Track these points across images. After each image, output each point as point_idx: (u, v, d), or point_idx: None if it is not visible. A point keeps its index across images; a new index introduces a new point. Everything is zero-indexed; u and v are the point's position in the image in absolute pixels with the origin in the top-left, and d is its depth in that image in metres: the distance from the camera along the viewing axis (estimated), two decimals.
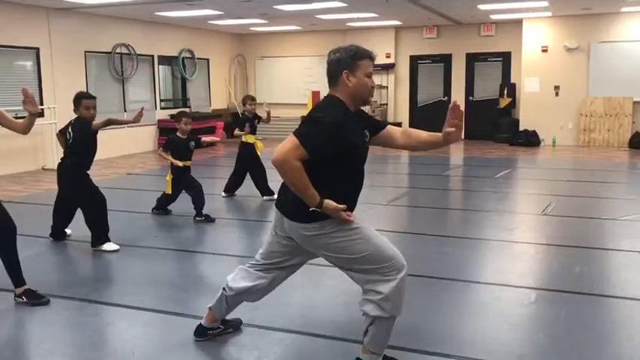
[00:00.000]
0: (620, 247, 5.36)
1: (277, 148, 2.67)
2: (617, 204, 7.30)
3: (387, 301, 2.74)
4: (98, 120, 5.18)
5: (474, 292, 4.29)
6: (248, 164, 7.44)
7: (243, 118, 7.59)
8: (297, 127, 2.80)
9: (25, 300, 3.97)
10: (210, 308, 3.34)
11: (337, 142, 2.69)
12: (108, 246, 5.21)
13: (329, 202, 2.70)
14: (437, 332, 3.52)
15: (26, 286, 4.01)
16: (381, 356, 2.93)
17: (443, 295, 4.17)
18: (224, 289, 3.21)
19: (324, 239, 2.79)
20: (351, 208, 2.84)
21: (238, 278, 3.16)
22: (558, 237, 5.80)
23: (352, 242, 2.77)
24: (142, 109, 5.68)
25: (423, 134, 3.05)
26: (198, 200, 6.31)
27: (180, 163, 6.29)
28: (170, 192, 6.43)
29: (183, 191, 6.48)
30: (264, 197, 7.33)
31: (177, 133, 6.40)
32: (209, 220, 6.29)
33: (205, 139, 6.77)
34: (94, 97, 5.24)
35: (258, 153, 7.44)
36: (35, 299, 3.99)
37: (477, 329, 3.61)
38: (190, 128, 6.43)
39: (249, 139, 7.42)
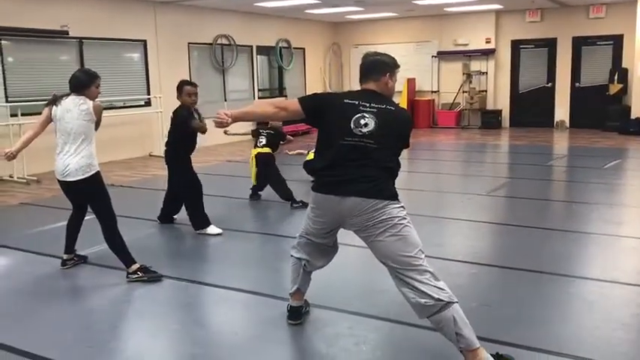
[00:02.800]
0: None
1: None
2: None
3: (440, 286, 2.82)
4: (197, 123, 5.37)
5: (580, 289, 4.08)
6: None
7: None
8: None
9: (140, 275, 4.24)
10: (292, 293, 3.43)
11: None
12: (212, 229, 5.43)
13: None
14: (541, 328, 3.38)
15: (139, 264, 4.28)
16: (476, 350, 2.79)
17: (546, 290, 4.00)
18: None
19: (400, 216, 2.92)
20: None
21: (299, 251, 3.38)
22: None
23: (406, 223, 2.93)
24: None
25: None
26: (282, 194, 6.54)
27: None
28: (255, 182, 6.76)
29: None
30: None
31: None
32: (305, 205, 6.37)
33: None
34: (195, 85, 5.46)
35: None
36: (151, 274, 4.26)
37: (584, 327, 3.44)
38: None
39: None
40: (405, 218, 2.94)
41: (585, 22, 13.53)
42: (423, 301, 2.81)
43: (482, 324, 3.16)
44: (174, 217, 5.90)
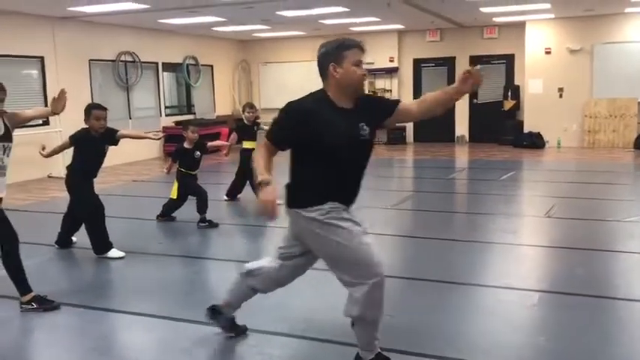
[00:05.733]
0: (622, 249, 5.36)
1: None
2: (620, 205, 7.28)
3: (357, 303, 2.80)
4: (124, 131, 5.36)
5: (478, 296, 4.29)
6: (248, 168, 7.54)
7: (243, 126, 7.68)
8: None
9: (35, 306, 4.01)
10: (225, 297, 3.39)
11: (300, 129, 2.76)
12: (113, 253, 5.25)
13: (266, 184, 2.68)
14: (439, 335, 3.52)
15: (34, 293, 4.05)
16: (375, 353, 2.96)
17: (446, 299, 4.18)
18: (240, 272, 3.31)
19: (311, 227, 2.82)
20: (341, 201, 2.86)
21: (255, 262, 3.29)
22: (561, 239, 5.80)
23: (332, 240, 2.80)
24: None
25: (434, 93, 3.07)
26: (202, 206, 6.35)
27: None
28: (175, 197, 6.50)
29: (190, 198, 6.54)
30: None
31: (185, 143, 6.48)
32: (212, 225, 6.32)
33: (212, 143, 6.91)
34: (104, 109, 5.28)
35: None
36: (46, 304, 4.03)
37: (480, 332, 3.62)
38: (197, 137, 6.51)
39: (250, 144, 7.51)
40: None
41: (480, 42, 14.34)
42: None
43: (386, 333, 3.25)
44: (74, 240, 5.65)
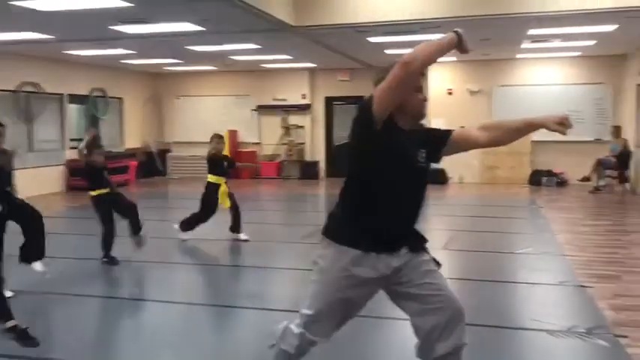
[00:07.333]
0: (514, 280, 5.70)
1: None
2: (514, 238, 7.75)
3: (284, 334, 2.87)
4: None
5: (365, 328, 4.41)
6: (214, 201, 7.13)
7: (214, 158, 7.18)
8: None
9: None
10: None
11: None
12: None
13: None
14: None
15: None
16: None
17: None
18: None
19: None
20: (393, 232, 2.69)
21: None
22: (457, 271, 6.07)
23: (315, 276, 2.83)
24: None
25: (513, 122, 2.77)
26: (106, 240, 6.23)
27: None
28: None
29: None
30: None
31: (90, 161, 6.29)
32: (113, 262, 6.14)
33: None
34: (2, 125, 5.07)
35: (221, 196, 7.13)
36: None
37: None
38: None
39: (216, 179, 7.12)
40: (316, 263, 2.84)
41: None
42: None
43: None
44: None
